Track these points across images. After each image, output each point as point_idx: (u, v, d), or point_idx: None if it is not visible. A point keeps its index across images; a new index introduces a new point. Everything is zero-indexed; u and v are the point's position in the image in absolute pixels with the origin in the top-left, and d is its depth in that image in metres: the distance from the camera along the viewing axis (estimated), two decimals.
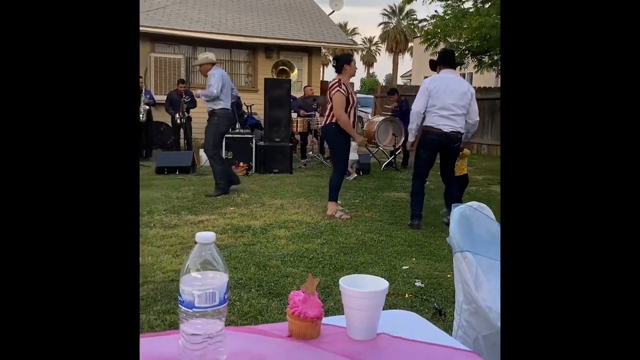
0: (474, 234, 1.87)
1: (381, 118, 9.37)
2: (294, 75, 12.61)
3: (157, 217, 4.83)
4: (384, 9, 45.73)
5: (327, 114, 4.98)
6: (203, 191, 6.19)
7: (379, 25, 45.67)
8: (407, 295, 3.03)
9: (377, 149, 9.46)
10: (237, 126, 8.90)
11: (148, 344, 0.93)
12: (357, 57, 46.97)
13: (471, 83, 9.66)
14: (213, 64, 6.03)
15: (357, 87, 22.63)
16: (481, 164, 9.60)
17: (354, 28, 49.78)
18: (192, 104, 9.46)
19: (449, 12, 9.97)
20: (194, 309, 0.79)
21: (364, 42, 48.05)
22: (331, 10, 14.83)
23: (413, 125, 4.77)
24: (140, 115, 9.03)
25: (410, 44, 38.71)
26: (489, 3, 9.68)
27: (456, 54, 9.53)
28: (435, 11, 10.43)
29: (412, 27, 26.60)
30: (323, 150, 9.67)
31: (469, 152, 5.57)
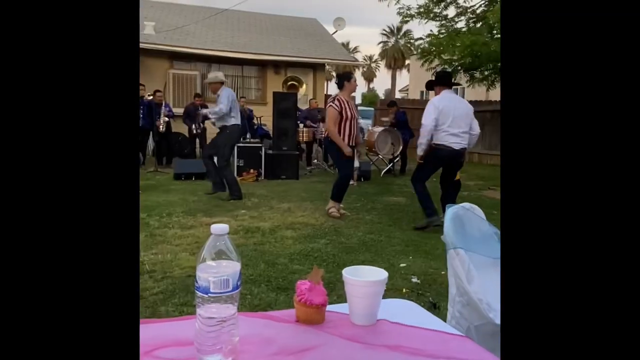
0: (466, 232, 1.87)
1: (381, 129, 9.37)
2: (302, 90, 12.66)
3: (175, 219, 4.84)
4: (383, 29, 45.81)
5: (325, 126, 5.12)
6: (217, 195, 6.20)
7: (379, 44, 45.92)
8: (404, 290, 3.02)
9: (377, 157, 9.46)
10: (247, 136, 8.95)
11: (167, 327, 0.94)
12: (358, 73, 47.03)
13: (463, 96, 9.68)
14: (222, 83, 5.98)
15: (358, 100, 22.77)
16: (473, 171, 9.57)
17: (356, 46, 49.92)
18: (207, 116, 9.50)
19: (443, 31, 9.99)
20: (209, 294, 0.79)
21: (364, 59, 48.15)
22: (334, 30, 14.89)
23: (424, 140, 4.60)
24: (161, 127, 9.06)
25: (407, 61, 38.72)
26: (480, 23, 9.69)
27: (450, 70, 9.55)
28: (431, 30, 10.44)
29: (409, 45, 26.69)
30: (327, 158, 9.67)
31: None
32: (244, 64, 12.60)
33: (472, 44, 8.46)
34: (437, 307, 2.66)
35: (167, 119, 9.28)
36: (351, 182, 7.60)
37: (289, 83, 12.49)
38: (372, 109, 16.07)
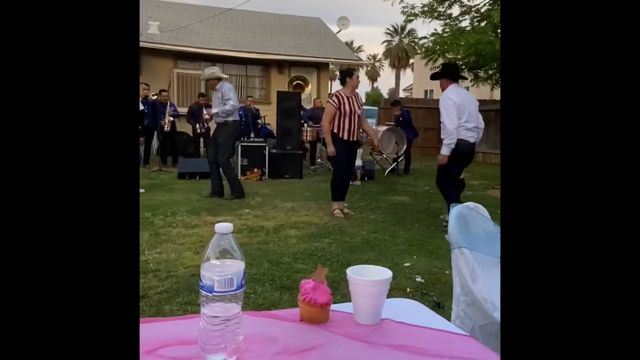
0: (471, 231, 1.86)
1: (385, 128, 9.36)
2: (308, 90, 12.66)
3: (179, 218, 4.85)
4: (387, 28, 45.70)
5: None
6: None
7: (383, 43, 45.88)
8: (408, 290, 3.02)
9: (381, 156, 9.45)
10: (252, 135, 8.96)
11: (171, 326, 0.94)
12: (362, 72, 46.96)
13: None
14: (219, 78, 5.87)
15: (362, 99, 22.75)
16: (477, 170, 9.55)
17: (360, 46, 49.79)
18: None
19: (447, 30, 9.96)
20: (213, 293, 0.79)
21: (368, 58, 48.05)
22: (338, 29, 14.89)
23: (452, 141, 4.38)
24: (165, 126, 9.08)
25: (411, 60, 38.68)
26: (485, 21, 9.66)
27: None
28: (435, 29, 10.41)
29: (413, 44, 26.65)
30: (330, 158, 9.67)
31: None
32: (247, 63, 12.62)
33: (476, 43, 8.44)
34: (441, 307, 2.66)
35: (172, 118, 9.30)
36: (355, 182, 7.63)
37: (295, 83, 12.50)
38: (376, 108, 16.06)
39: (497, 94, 14.61)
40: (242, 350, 0.83)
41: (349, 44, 38.00)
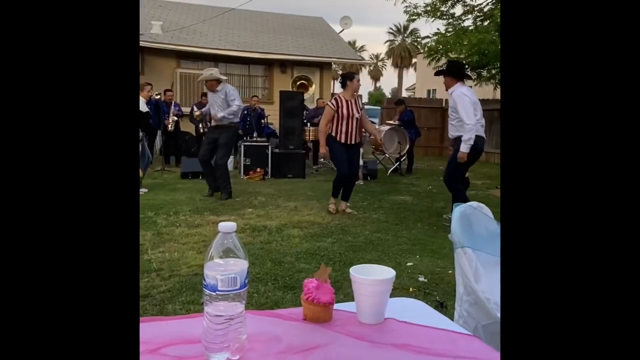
0: (474, 231, 1.86)
1: (387, 127, 9.35)
2: (312, 89, 12.67)
3: (182, 217, 4.86)
4: (390, 28, 45.67)
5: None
6: (218, 195, 6.22)
7: (385, 42, 45.81)
8: (411, 289, 3.02)
9: (384, 155, 9.44)
10: (254, 135, 8.97)
11: (174, 325, 0.94)
12: (364, 72, 46.97)
13: None
14: (218, 80, 5.83)
15: (364, 99, 22.68)
16: (480, 170, 9.53)
17: (362, 45, 49.60)
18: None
19: (450, 29, 9.94)
20: (217, 292, 0.80)
21: (371, 58, 48.00)
22: (341, 29, 14.88)
23: (471, 137, 4.35)
24: (169, 126, 9.09)
25: (414, 60, 38.61)
26: (488, 21, 9.64)
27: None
28: (438, 29, 10.36)
29: (416, 44, 26.62)
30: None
31: None
32: (250, 63, 12.62)
33: (479, 42, 8.42)
34: (444, 307, 2.65)
35: (176, 118, 9.31)
36: (358, 182, 7.63)
37: (299, 82, 12.51)
38: (379, 107, 16.05)
39: (500, 94, 14.57)
40: (246, 349, 0.83)
41: (352, 44, 37.99)
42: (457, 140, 4.54)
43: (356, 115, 4.98)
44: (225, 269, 0.80)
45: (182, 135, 10.01)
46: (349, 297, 1.01)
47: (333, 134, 5.02)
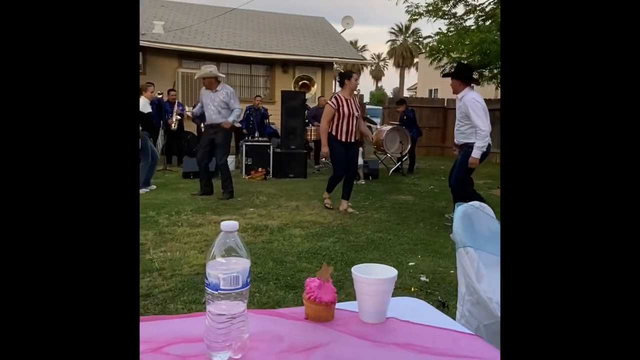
0: (476, 230, 1.85)
1: (389, 127, 9.34)
2: (314, 89, 12.67)
3: (184, 217, 4.86)
4: (392, 28, 45.59)
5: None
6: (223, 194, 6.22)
7: (387, 42, 45.75)
8: (413, 289, 3.01)
9: (385, 155, 9.44)
10: (256, 135, 8.97)
11: (176, 324, 0.94)
12: (366, 72, 46.96)
13: None
14: (217, 78, 5.79)
15: (366, 99, 22.55)
16: (482, 170, 9.50)
17: (364, 45, 49.66)
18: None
19: (451, 29, 9.90)
20: (219, 291, 0.80)
21: (373, 57, 47.95)
22: (343, 29, 14.87)
23: (485, 143, 4.32)
24: (173, 125, 9.07)
25: (415, 60, 38.56)
26: (490, 20, 9.61)
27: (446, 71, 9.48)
28: (439, 29, 10.33)
29: (418, 43, 26.58)
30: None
31: None
32: (252, 62, 12.62)
33: (481, 42, 8.39)
34: (446, 306, 2.65)
35: (179, 117, 9.31)
36: (360, 181, 7.64)
37: (301, 82, 12.51)
38: (381, 107, 16.04)
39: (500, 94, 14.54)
40: (248, 348, 0.83)
41: (354, 44, 37.93)
42: (465, 146, 4.49)
43: (356, 113, 5.05)
44: (227, 268, 0.80)
45: (185, 135, 10.02)
46: (351, 296, 1.01)
47: (333, 132, 5.06)
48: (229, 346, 0.80)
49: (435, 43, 9.79)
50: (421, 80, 29.95)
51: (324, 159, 9.78)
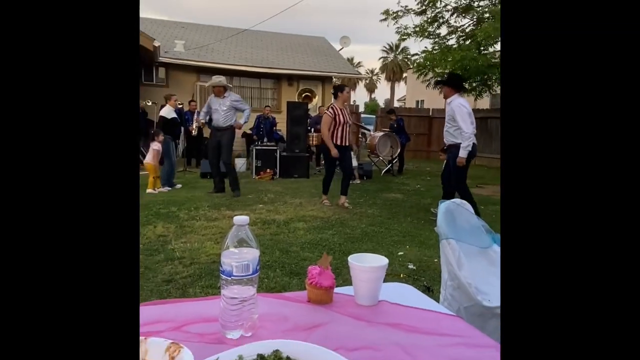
0: (457, 224, 1.85)
1: (381, 133, 9.34)
2: (315, 100, 12.67)
3: (201, 212, 4.86)
4: (383, 46, 45.49)
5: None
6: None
7: (379, 59, 45.57)
8: (401, 275, 3.01)
9: (378, 158, 9.43)
10: (265, 140, 8.95)
11: (195, 306, 0.94)
12: (361, 85, 46.88)
13: None
14: (225, 87, 5.78)
15: (361, 108, 22.40)
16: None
17: (359, 61, 49.26)
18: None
19: (436, 47, 9.90)
20: (232, 277, 0.79)
21: (367, 72, 47.75)
22: (341, 47, 14.85)
23: (469, 144, 4.27)
24: (193, 131, 9.04)
25: (404, 74, 38.45)
26: (469, 40, 9.60)
27: (437, 79, 9.43)
28: (425, 47, 10.34)
29: (406, 60, 26.53)
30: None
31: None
32: (261, 77, 12.62)
33: (462, 59, 8.39)
34: (430, 290, 2.65)
35: (198, 125, 9.30)
36: (355, 181, 7.63)
37: (304, 94, 12.54)
38: (374, 116, 16.01)
39: (480, 104, 14.53)
40: (257, 327, 0.83)
41: (350, 60, 37.83)
42: (453, 146, 4.45)
43: (349, 122, 5.20)
44: (239, 257, 0.80)
45: (203, 141, 10.02)
46: (347, 282, 1.01)
47: (330, 138, 5.15)
48: (240, 325, 0.80)
49: (421, 60, 9.78)
50: (409, 92, 29.89)
51: (323, 162, 9.79)
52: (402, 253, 3.59)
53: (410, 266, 3.24)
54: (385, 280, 0.99)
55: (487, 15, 9.38)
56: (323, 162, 9.75)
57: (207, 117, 6.04)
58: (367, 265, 0.96)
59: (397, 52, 42.19)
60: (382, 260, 0.98)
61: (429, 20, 10.11)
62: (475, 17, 9.97)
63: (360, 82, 44.71)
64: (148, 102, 9.54)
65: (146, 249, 3.43)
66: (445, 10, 10.13)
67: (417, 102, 26.56)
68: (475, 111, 12.20)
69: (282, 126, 10.01)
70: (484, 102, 15.68)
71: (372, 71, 49.23)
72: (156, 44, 10.08)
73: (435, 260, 3.27)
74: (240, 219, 0.82)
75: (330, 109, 5.17)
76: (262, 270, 2.96)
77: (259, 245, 0.83)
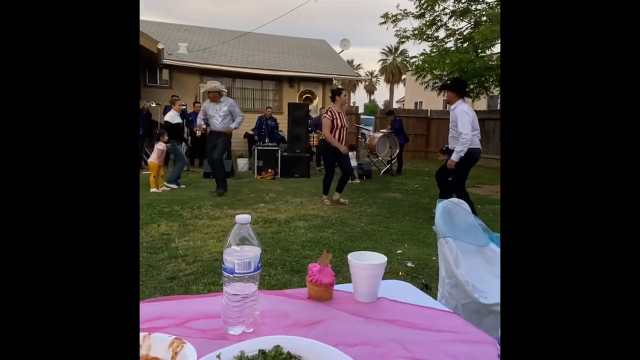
0: (455, 223, 1.85)
1: (380, 134, 9.33)
2: (316, 102, 12.68)
3: (204, 211, 4.86)
4: (383, 49, 45.47)
5: (322, 132, 5.42)
6: (239, 191, 6.22)
7: (379, 61, 45.66)
8: (400, 273, 3.01)
9: (377, 158, 9.43)
10: (266, 140, 8.95)
11: (198, 303, 0.94)
12: (360, 87, 46.90)
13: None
14: (220, 92, 5.78)
15: (361, 110, 22.29)
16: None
17: (359, 64, 49.42)
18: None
19: (434, 50, 9.89)
20: (234, 274, 0.79)
21: (366, 74, 47.75)
22: (341, 50, 14.84)
23: (464, 148, 4.27)
24: (198, 132, 9.04)
25: (403, 76, 38.44)
26: (467, 43, 9.59)
27: (440, 84, 9.45)
28: (424, 50, 10.32)
29: (405, 62, 26.51)
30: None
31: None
32: (263, 78, 12.61)
33: (459, 61, 8.39)
34: (428, 288, 2.65)
35: (204, 125, 9.30)
36: (355, 181, 7.63)
37: (304, 96, 12.54)
38: (373, 117, 16.01)
39: (477, 105, 14.50)
40: (258, 324, 0.83)
41: (350, 62, 37.86)
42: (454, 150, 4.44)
43: (345, 125, 5.31)
44: (241, 255, 0.80)
45: (206, 141, 10.01)
46: (347, 279, 1.01)
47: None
48: (242, 321, 0.80)
49: (420, 62, 9.78)
50: (408, 93, 29.88)
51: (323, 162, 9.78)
52: (400, 251, 3.58)
53: (409, 264, 3.24)
54: (384, 278, 0.99)
55: (484, 18, 9.37)
56: (322, 162, 9.82)
57: (204, 124, 6.08)
58: (366, 263, 0.96)
59: (396, 55, 42.18)
60: (381, 258, 0.98)
61: (428, 23, 10.11)
62: (472, 20, 9.96)
63: (360, 83, 44.75)
64: (152, 103, 9.53)
65: (150, 247, 3.44)
66: (444, 14, 10.14)
67: (416, 103, 26.56)
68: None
69: (283, 127, 10.02)
70: (481, 104, 15.66)
71: (371, 73, 49.21)
72: (160, 46, 10.08)
73: (433, 258, 3.26)
74: (242, 217, 0.82)
75: (328, 112, 5.24)
76: (263, 267, 2.95)
77: (261, 244, 0.83)
